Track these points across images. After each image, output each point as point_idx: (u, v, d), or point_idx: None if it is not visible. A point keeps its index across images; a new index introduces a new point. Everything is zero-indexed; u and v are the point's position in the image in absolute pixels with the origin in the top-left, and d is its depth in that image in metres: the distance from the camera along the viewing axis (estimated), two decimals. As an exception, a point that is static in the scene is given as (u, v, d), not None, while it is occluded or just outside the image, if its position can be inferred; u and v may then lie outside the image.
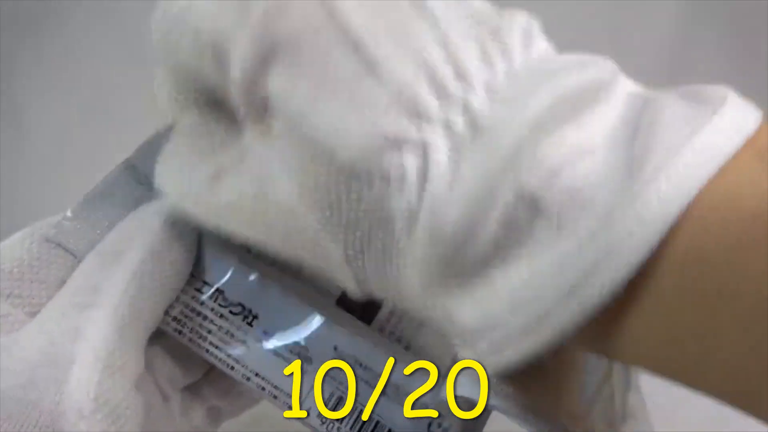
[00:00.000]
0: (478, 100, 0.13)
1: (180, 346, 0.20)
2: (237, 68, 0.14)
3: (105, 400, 0.15)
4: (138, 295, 0.16)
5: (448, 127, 0.13)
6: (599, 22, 0.48)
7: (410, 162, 0.13)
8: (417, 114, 0.13)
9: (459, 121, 0.13)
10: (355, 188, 0.13)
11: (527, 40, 0.14)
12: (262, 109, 0.14)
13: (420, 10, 0.14)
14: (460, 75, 0.13)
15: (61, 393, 0.14)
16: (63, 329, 0.16)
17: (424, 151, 0.13)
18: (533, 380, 0.16)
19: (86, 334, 0.15)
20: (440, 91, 0.13)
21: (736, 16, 0.51)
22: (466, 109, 0.13)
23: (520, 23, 0.14)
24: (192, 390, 0.21)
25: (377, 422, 0.17)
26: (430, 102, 0.13)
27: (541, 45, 0.15)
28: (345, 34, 0.13)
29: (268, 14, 0.13)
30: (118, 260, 0.17)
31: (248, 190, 0.15)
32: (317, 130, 0.13)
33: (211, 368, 0.21)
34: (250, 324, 0.18)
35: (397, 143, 0.13)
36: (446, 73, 0.13)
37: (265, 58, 0.13)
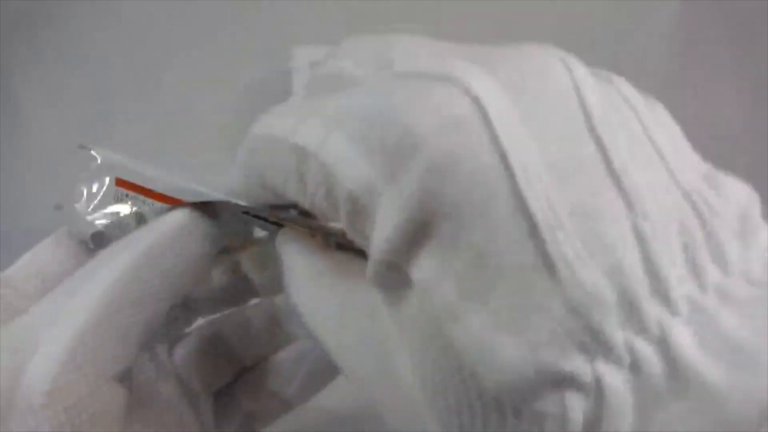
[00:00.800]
0: (680, 332, 0.10)
1: (207, 346, 0.20)
2: (381, 239, 0.11)
3: (62, 395, 0.13)
4: (135, 282, 0.15)
5: (635, 365, 0.10)
6: (599, 22, 0.48)
7: (575, 404, 0.10)
8: (592, 342, 0.10)
9: (652, 358, 0.10)
10: (494, 419, 0.10)
11: (746, 230, 0.11)
12: (400, 282, 0.12)
13: (613, 178, 0.10)
14: (658, 290, 0.10)
15: (16, 382, 0.13)
16: (42, 316, 0.14)
17: (596, 393, 0.10)
18: None
19: (60, 321, 0.14)
20: (630, 313, 0.10)
21: (736, 16, 0.51)
22: (663, 341, 0.10)
23: (738, 200, 0.11)
24: (226, 397, 0.20)
25: None
26: (614, 328, 0.10)
27: (763, 236, 0.11)
28: (522, 207, 0.10)
29: (432, 173, 0.10)
30: (126, 247, 0.15)
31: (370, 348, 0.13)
32: (459, 340, 0.10)
33: (243, 370, 0.21)
34: None
35: (560, 379, 0.10)
36: (641, 287, 0.10)
37: (418, 235, 0.11)
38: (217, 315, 0.21)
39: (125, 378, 0.15)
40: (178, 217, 0.16)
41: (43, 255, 0.17)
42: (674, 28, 0.50)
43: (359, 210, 0.12)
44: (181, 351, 0.20)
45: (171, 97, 0.48)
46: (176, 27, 0.47)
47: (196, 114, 0.48)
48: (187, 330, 0.21)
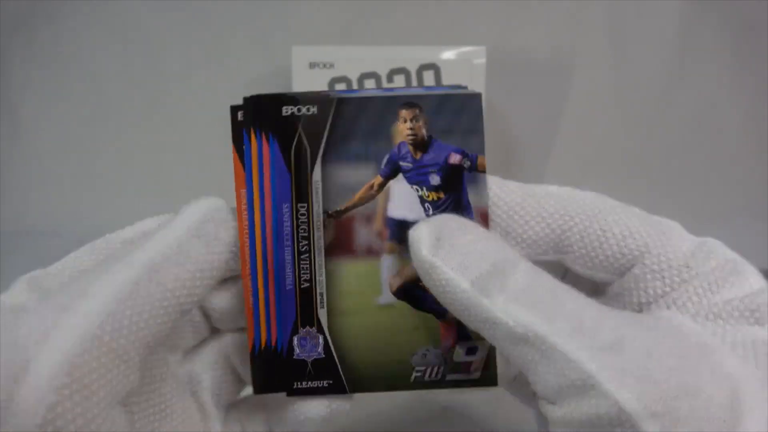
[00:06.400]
0: None
1: (223, 357, 0.18)
2: None
3: (57, 426, 0.12)
4: (135, 300, 0.13)
5: None
6: (599, 22, 0.48)
7: None
8: None
9: None
10: None
11: None
12: None
13: None
14: None
15: (6, 409, 0.12)
16: (31, 331, 0.13)
17: None
18: None
19: (52, 341, 0.12)
20: None
21: (736, 16, 0.51)
22: None
23: None
24: (232, 416, 0.19)
25: None
26: None
27: None
28: None
29: None
30: (122, 258, 0.14)
31: None
32: None
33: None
34: None
35: None
36: None
37: None
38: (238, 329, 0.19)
39: (129, 400, 0.14)
40: (196, 215, 0.15)
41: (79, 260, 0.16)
42: (674, 28, 0.50)
43: None
44: (194, 364, 0.18)
45: (171, 97, 0.48)
46: (176, 27, 0.47)
47: (196, 113, 0.48)
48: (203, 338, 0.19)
